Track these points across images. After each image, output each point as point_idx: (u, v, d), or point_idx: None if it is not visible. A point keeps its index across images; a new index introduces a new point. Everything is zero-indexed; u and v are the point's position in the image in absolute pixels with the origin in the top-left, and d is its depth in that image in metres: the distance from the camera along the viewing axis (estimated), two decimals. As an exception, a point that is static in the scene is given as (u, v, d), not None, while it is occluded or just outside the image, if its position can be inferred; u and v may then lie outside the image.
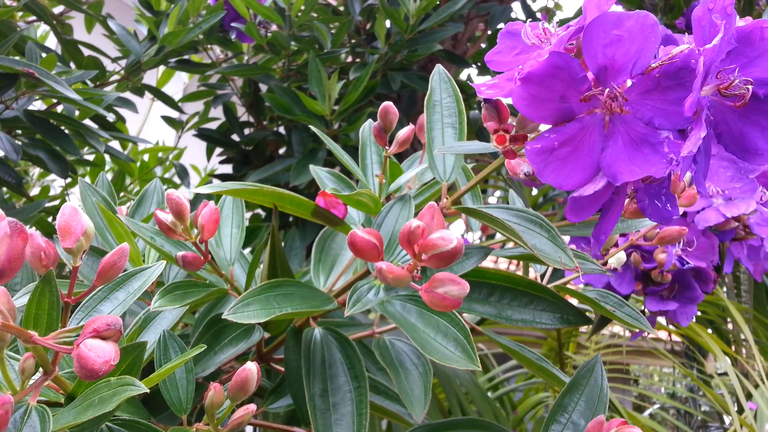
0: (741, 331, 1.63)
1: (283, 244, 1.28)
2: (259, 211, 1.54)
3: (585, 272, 0.58)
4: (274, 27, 1.43)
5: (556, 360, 1.86)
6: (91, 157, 1.61)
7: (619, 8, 1.50)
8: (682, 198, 0.60)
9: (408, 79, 1.39)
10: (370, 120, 0.68)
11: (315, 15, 1.50)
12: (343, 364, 0.59)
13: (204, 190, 0.55)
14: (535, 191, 1.93)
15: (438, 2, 1.41)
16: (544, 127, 0.47)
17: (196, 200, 1.24)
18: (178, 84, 2.21)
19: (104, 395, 0.39)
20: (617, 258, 0.71)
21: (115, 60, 1.43)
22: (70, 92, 0.96)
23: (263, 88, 1.56)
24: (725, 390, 1.65)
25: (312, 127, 0.68)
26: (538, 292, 0.62)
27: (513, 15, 1.68)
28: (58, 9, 1.43)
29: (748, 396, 1.62)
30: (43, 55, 1.12)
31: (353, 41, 1.55)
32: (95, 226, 0.69)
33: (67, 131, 1.19)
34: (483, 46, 1.78)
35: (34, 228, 1.25)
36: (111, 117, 1.38)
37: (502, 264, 2.35)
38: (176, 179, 1.77)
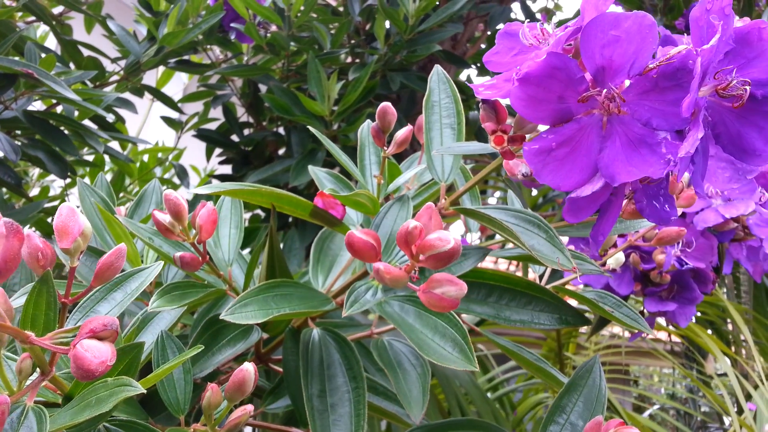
0: (741, 332, 1.63)
1: (282, 244, 1.28)
2: (259, 211, 1.54)
3: (583, 273, 0.58)
4: (273, 27, 1.43)
5: (556, 361, 1.86)
6: (90, 158, 1.61)
7: (619, 9, 1.50)
8: (680, 199, 0.60)
9: (407, 80, 1.39)
10: (368, 120, 0.68)
11: (314, 15, 1.50)
12: (342, 364, 0.59)
13: (202, 190, 0.55)
14: (534, 192, 1.93)
15: (437, 3, 1.41)
16: (543, 128, 0.47)
17: (196, 201, 1.24)
18: (178, 84, 2.21)
19: (101, 396, 0.39)
20: (616, 259, 0.71)
21: (114, 60, 1.43)
22: (69, 93, 0.96)
23: (263, 88, 1.56)
24: (725, 391, 1.65)
25: (310, 128, 0.68)
26: (537, 293, 0.61)
27: (513, 15, 1.68)
28: (57, 9, 1.43)
29: (748, 397, 1.62)
30: (43, 55, 1.12)
31: (353, 42, 1.55)
32: (94, 226, 0.69)
33: (66, 132, 1.19)
34: (483, 46, 1.78)
35: (33, 228, 1.25)
36: (110, 117, 1.38)
37: (502, 265, 2.35)
38: (176, 180, 1.77)
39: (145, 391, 0.37)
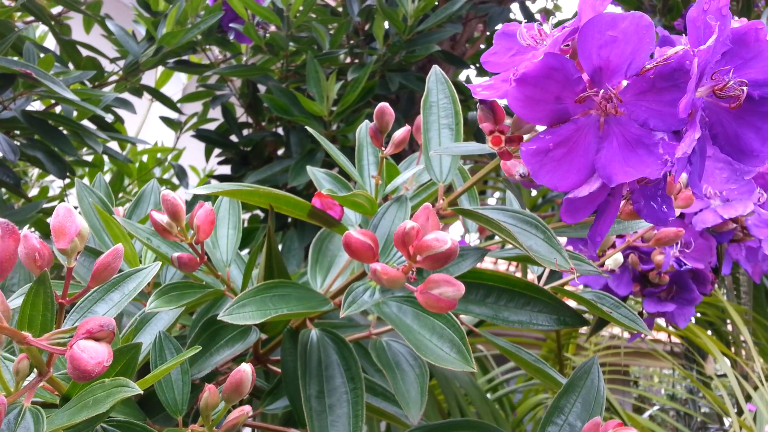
0: (740, 333, 1.63)
1: (281, 245, 1.28)
2: (258, 212, 1.54)
3: (581, 274, 0.58)
4: (272, 28, 1.43)
5: (556, 362, 1.86)
6: (89, 158, 1.61)
7: (618, 9, 1.50)
8: (678, 199, 0.60)
9: (406, 80, 1.39)
10: (366, 121, 0.68)
11: (313, 16, 1.50)
12: (340, 365, 0.59)
13: (200, 191, 0.55)
14: (534, 192, 1.93)
15: (436, 3, 1.41)
16: (541, 128, 0.47)
17: (195, 201, 1.24)
18: (177, 85, 2.21)
19: (98, 396, 0.39)
20: (614, 259, 0.71)
21: (113, 60, 1.43)
22: (68, 93, 0.96)
23: (262, 89, 1.56)
24: (724, 392, 1.65)
25: (309, 128, 0.68)
26: (535, 294, 0.61)
27: (512, 16, 1.68)
28: (56, 9, 1.43)
29: (748, 398, 1.62)
30: (41, 55, 1.12)
31: (352, 42, 1.55)
32: (92, 227, 0.69)
33: (65, 132, 1.19)
34: (482, 47, 1.78)
35: (32, 229, 1.24)
36: (109, 118, 1.38)
37: (502, 265, 2.35)
38: (175, 180, 1.77)
39: (141, 392, 0.37)
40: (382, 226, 0.56)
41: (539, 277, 0.74)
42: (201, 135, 1.61)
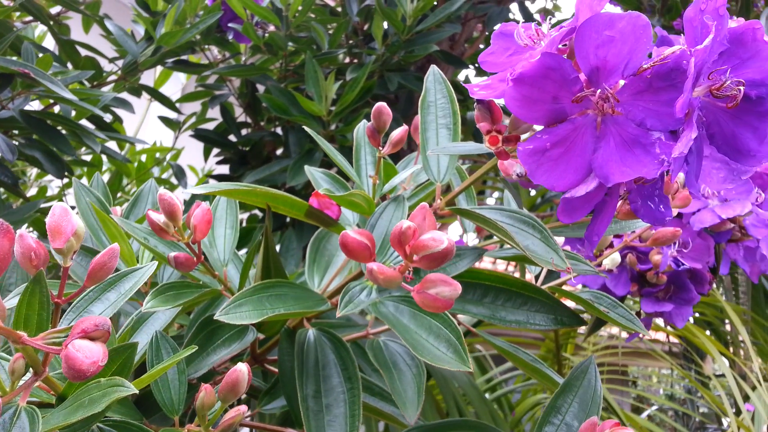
0: (738, 333, 1.63)
1: (279, 245, 1.28)
2: (256, 212, 1.53)
3: (578, 273, 0.58)
4: (271, 27, 1.43)
5: (554, 361, 1.86)
6: (88, 158, 1.61)
7: (618, 9, 1.49)
8: (676, 199, 0.60)
9: (405, 80, 1.39)
10: (364, 121, 0.68)
11: (312, 15, 1.49)
12: (337, 365, 0.59)
13: (197, 190, 0.55)
14: (533, 192, 1.93)
15: (435, 3, 1.41)
16: (538, 128, 0.47)
17: (193, 201, 1.24)
18: (176, 84, 2.21)
19: (94, 396, 0.39)
20: (611, 259, 0.71)
21: (112, 60, 1.43)
22: (66, 92, 0.96)
23: (261, 88, 1.56)
24: (723, 392, 1.65)
25: (306, 128, 0.68)
26: (532, 293, 0.61)
27: (511, 16, 1.68)
28: (55, 9, 1.43)
29: (746, 398, 1.62)
30: (40, 55, 1.12)
31: (350, 42, 1.55)
32: (89, 226, 0.69)
33: (63, 131, 1.19)
34: (481, 47, 1.78)
35: (30, 228, 1.24)
36: (108, 117, 1.38)
37: (501, 265, 2.35)
38: (173, 180, 1.77)
39: (137, 392, 0.37)
40: (379, 225, 0.56)
41: (537, 277, 0.74)
42: (199, 135, 1.61)
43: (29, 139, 1.20)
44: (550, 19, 2.11)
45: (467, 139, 1.63)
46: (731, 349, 1.91)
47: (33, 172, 1.90)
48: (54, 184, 1.86)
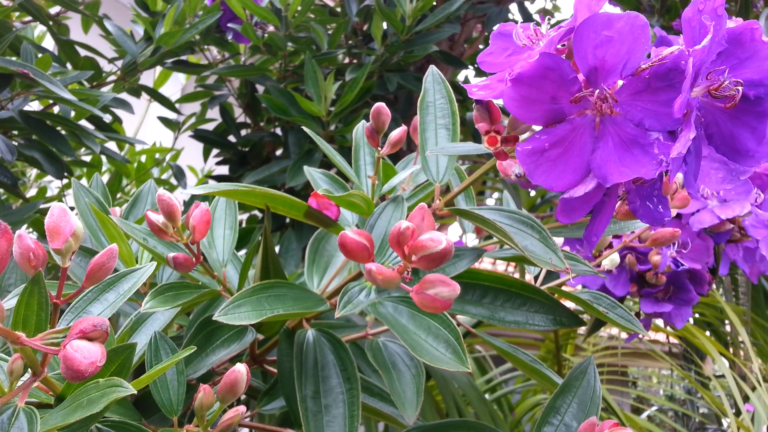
0: (738, 334, 1.63)
1: (279, 245, 1.28)
2: (256, 212, 1.53)
3: (576, 274, 0.58)
4: (270, 28, 1.43)
5: (554, 362, 1.85)
6: (88, 158, 1.61)
7: (617, 10, 1.49)
8: (674, 200, 0.60)
9: (404, 81, 1.39)
10: (363, 121, 0.68)
11: (311, 16, 1.49)
12: (336, 365, 0.58)
13: (195, 191, 0.55)
14: (533, 193, 1.93)
15: (434, 3, 1.41)
16: (537, 128, 0.47)
17: (192, 202, 1.24)
18: (176, 85, 2.21)
19: (93, 396, 0.39)
20: (611, 260, 0.71)
21: (111, 60, 1.43)
22: (65, 93, 0.96)
23: (260, 89, 1.56)
24: (722, 392, 1.65)
25: (305, 128, 0.68)
26: (531, 294, 0.61)
27: (510, 16, 1.68)
28: (54, 9, 1.43)
29: (746, 398, 1.62)
30: (39, 55, 1.12)
31: (350, 42, 1.55)
32: (89, 227, 0.69)
33: (63, 132, 1.19)
34: (480, 47, 1.78)
35: (30, 229, 1.24)
36: (107, 118, 1.38)
37: (501, 266, 2.35)
38: (173, 180, 1.77)
39: (135, 392, 0.37)
40: (378, 226, 0.56)
41: (536, 278, 0.74)
42: (199, 135, 1.61)
43: (28, 140, 1.20)
44: (549, 19, 2.11)
45: (467, 139, 1.63)
46: (731, 350, 1.91)
47: (33, 172, 1.90)
48: (54, 184, 1.86)
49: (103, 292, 0.46)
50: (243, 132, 1.64)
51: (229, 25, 1.43)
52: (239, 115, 1.69)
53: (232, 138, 1.59)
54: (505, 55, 0.50)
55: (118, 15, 1.58)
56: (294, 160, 1.31)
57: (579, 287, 0.88)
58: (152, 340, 0.53)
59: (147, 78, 1.61)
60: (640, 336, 0.81)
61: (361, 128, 0.69)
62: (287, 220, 1.38)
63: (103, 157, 1.54)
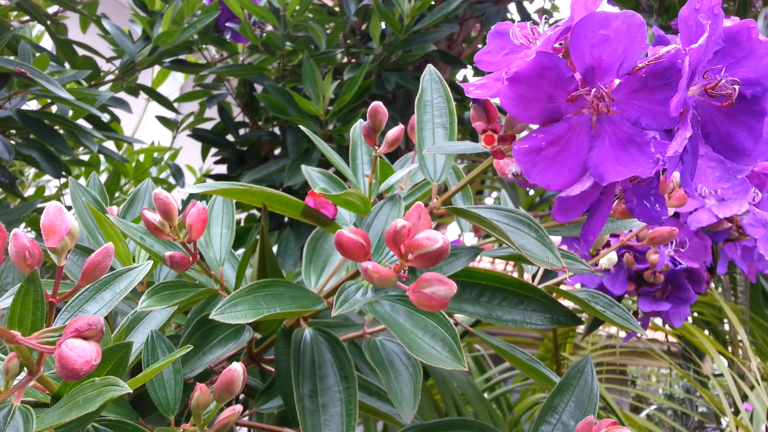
0: (737, 332, 1.63)
1: (278, 244, 1.28)
2: (255, 211, 1.53)
3: (573, 272, 0.58)
4: (269, 27, 1.43)
5: (553, 361, 1.85)
6: (86, 158, 1.61)
7: (616, 9, 1.49)
8: (672, 199, 0.60)
9: (403, 80, 1.39)
10: (360, 120, 0.68)
11: (310, 15, 1.49)
12: (333, 364, 0.58)
13: (192, 189, 0.55)
14: (532, 192, 1.93)
15: (433, 3, 1.41)
16: (534, 127, 0.47)
17: (190, 201, 1.24)
18: (175, 84, 2.21)
19: (89, 395, 0.39)
20: (608, 258, 0.71)
21: (109, 60, 1.43)
22: (63, 92, 0.95)
23: (259, 88, 1.56)
24: (721, 391, 1.65)
25: (302, 127, 0.68)
26: (529, 293, 0.61)
27: (509, 16, 1.68)
28: (52, 9, 1.42)
29: (744, 397, 1.62)
30: (37, 54, 1.12)
31: (348, 42, 1.55)
32: (86, 226, 0.69)
33: (60, 131, 1.19)
34: (479, 46, 1.77)
35: (29, 228, 1.24)
36: (106, 117, 1.38)
37: (500, 265, 2.35)
38: (171, 180, 1.77)
39: (131, 391, 0.37)
40: (375, 225, 0.56)
41: (534, 276, 0.74)
42: (197, 134, 1.61)
43: (26, 139, 1.20)
44: (548, 19, 2.11)
45: (466, 138, 1.63)
46: (730, 349, 1.91)
47: (31, 171, 1.90)
48: (52, 184, 1.86)
49: (99, 290, 0.46)
50: (241, 131, 1.64)
51: (227, 24, 1.43)
52: (237, 114, 1.69)
53: (230, 137, 1.59)
54: (502, 54, 0.50)
55: (116, 14, 1.58)
56: (292, 159, 1.31)
57: (578, 286, 0.88)
58: (149, 338, 0.53)
59: (145, 77, 1.61)
60: (639, 335, 0.81)
61: (358, 127, 0.68)
62: (286, 219, 1.38)
63: (102, 157, 1.54)
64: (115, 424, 0.46)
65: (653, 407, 2.78)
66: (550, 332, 1.83)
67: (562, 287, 0.69)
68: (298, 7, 1.36)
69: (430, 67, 0.64)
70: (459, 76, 1.87)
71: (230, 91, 1.62)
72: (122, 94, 1.44)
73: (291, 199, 0.58)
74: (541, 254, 0.48)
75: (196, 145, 1.69)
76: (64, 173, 1.22)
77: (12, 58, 1.06)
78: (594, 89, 0.41)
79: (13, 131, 1.22)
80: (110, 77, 1.39)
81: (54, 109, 1.32)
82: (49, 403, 0.44)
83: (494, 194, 2.30)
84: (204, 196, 0.80)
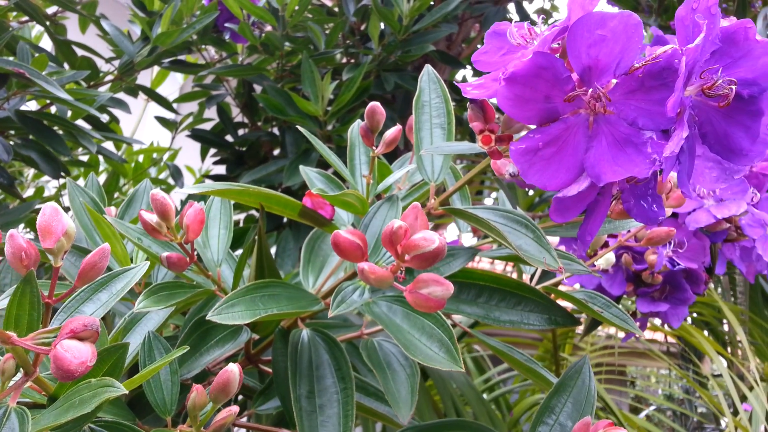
0: (736, 333, 1.63)
1: (276, 245, 1.28)
2: (254, 212, 1.53)
3: (571, 273, 0.58)
4: (267, 27, 1.43)
5: (552, 362, 1.85)
6: (85, 158, 1.60)
7: (615, 9, 1.49)
8: (670, 199, 0.59)
9: (402, 80, 1.39)
10: (358, 120, 0.68)
11: (309, 15, 1.49)
12: (331, 365, 0.58)
13: (190, 190, 0.55)
14: (531, 192, 1.93)
15: (432, 3, 1.41)
16: (531, 127, 0.47)
17: (188, 201, 1.24)
18: (174, 85, 2.21)
19: (84, 396, 0.39)
20: (605, 259, 0.71)
21: (108, 60, 1.43)
22: (61, 92, 0.95)
23: (258, 88, 1.56)
24: (720, 392, 1.65)
25: (299, 127, 0.68)
26: (527, 293, 0.61)
27: (508, 16, 1.68)
28: (51, 9, 1.42)
29: (743, 398, 1.62)
30: (36, 55, 1.12)
31: (347, 42, 1.55)
32: (83, 227, 0.69)
33: (59, 132, 1.19)
34: (479, 47, 1.77)
35: (28, 229, 1.24)
36: (105, 118, 1.38)
37: (499, 266, 2.35)
38: (171, 180, 1.77)
39: (126, 392, 0.37)
40: (372, 225, 0.56)
41: (532, 277, 0.74)
42: (196, 135, 1.61)
43: (25, 140, 1.20)
44: (547, 19, 2.11)
45: (465, 139, 1.63)
46: (729, 350, 1.91)
47: (30, 172, 1.90)
48: (51, 184, 1.86)
49: (96, 291, 0.46)
50: (240, 132, 1.64)
51: (226, 24, 1.43)
52: (237, 114, 1.69)
53: (229, 138, 1.59)
54: (500, 55, 0.50)
55: (115, 15, 1.58)
56: (291, 160, 1.31)
57: (577, 286, 0.88)
58: (146, 339, 0.53)
59: (145, 78, 1.61)
60: (637, 335, 0.81)
61: (356, 128, 0.68)
62: (285, 220, 1.38)
63: (101, 157, 1.54)
64: (111, 425, 0.46)
65: (652, 408, 2.78)
66: (550, 333, 1.83)
67: (561, 288, 0.69)
68: (297, 8, 1.36)
69: (428, 68, 0.64)
70: (458, 77, 1.87)
71: (229, 91, 1.62)
72: (121, 95, 1.44)
73: (288, 200, 0.58)
74: (538, 255, 0.48)
75: (196, 146, 1.69)
76: (63, 174, 1.22)
77: (11, 58, 1.06)
78: (591, 89, 0.41)
79: (12, 132, 1.22)
80: (109, 78, 1.39)
81: (53, 109, 1.32)
82: (45, 404, 0.44)
83: (494, 195, 2.30)
84: (202, 197, 0.80)
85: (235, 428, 0.71)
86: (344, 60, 1.56)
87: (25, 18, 1.39)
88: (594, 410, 0.55)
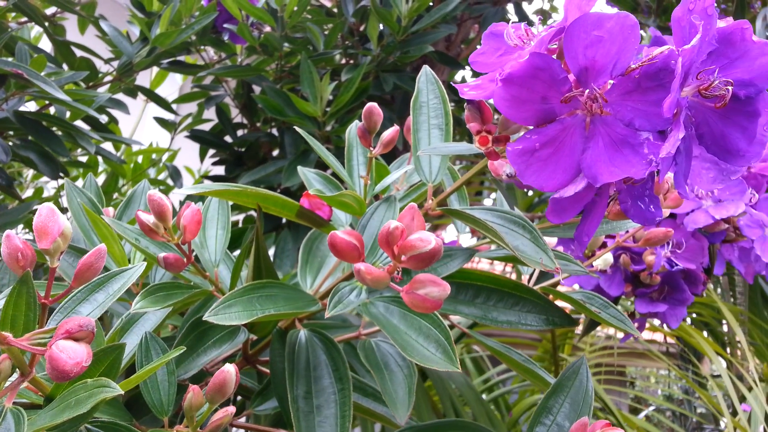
0: (735, 334, 1.63)
1: (275, 246, 1.28)
2: (253, 213, 1.53)
3: (567, 274, 0.58)
4: (266, 28, 1.43)
5: (551, 362, 1.85)
6: (84, 159, 1.60)
7: (614, 10, 1.49)
8: (668, 200, 0.59)
9: (400, 81, 1.39)
10: (356, 121, 0.68)
11: (308, 16, 1.49)
12: (328, 366, 0.58)
13: (187, 191, 0.55)
14: (530, 192, 1.93)
15: (431, 4, 1.41)
16: (528, 128, 0.47)
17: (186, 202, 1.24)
18: (173, 85, 2.21)
19: (80, 397, 0.39)
20: (603, 259, 0.71)
21: (107, 61, 1.43)
22: (59, 93, 0.95)
23: (257, 89, 1.56)
24: (719, 392, 1.65)
25: (297, 128, 0.68)
26: (524, 294, 0.61)
27: (507, 17, 1.68)
28: (50, 10, 1.42)
29: (742, 398, 1.62)
30: (35, 55, 1.12)
31: (346, 43, 1.55)
32: (81, 227, 0.69)
33: (58, 132, 1.19)
34: (478, 47, 1.77)
35: (27, 230, 1.24)
36: (103, 118, 1.37)
37: (498, 266, 2.35)
38: (170, 181, 1.77)
39: (122, 392, 0.37)
40: (370, 226, 0.56)
41: (530, 278, 0.74)
42: (195, 136, 1.61)
43: (24, 140, 1.20)
44: (543, 20, 2.11)
45: (463, 140, 1.63)
46: (728, 350, 1.91)
47: (29, 173, 1.89)
48: (50, 185, 1.86)
49: (93, 292, 0.46)
50: (239, 132, 1.63)
51: (225, 25, 1.43)
52: (236, 115, 1.68)
53: (228, 138, 1.59)
54: (497, 55, 0.50)
55: (114, 16, 1.58)
56: (290, 161, 1.31)
57: (575, 287, 0.88)
58: (143, 340, 0.53)
59: (144, 78, 1.61)
60: (635, 336, 0.81)
61: (353, 128, 0.68)
62: (284, 221, 1.38)
63: (100, 158, 1.54)
64: (108, 426, 0.46)
65: (652, 408, 2.78)
66: (548, 333, 1.83)
67: (559, 288, 0.69)
68: (295, 8, 1.36)
69: (425, 68, 0.64)
70: (458, 77, 1.87)
71: (228, 92, 1.62)
72: (120, 96, 1.44)
73: (286, 201, 0.58)
74: (535, 255, 0.48)
75: (195, 147, 1.69)
76: (61, 174, 1.22)
77: (9, 59, 1.06)
78: (587, 90, 0.41)
79: (11, 133, 1.22)
80: (108, 78, 1.39)
81: (52, 110, 1.32)
82: (42, 404, 0.44)
83: (493, 195, 2.29)
84: (201, 198, 0.80)
85: (234, 428, 0.71)
86: (343, 61, 1.56)
87: (24, 19, 1.39)
88: (591, 410, 0.55)
